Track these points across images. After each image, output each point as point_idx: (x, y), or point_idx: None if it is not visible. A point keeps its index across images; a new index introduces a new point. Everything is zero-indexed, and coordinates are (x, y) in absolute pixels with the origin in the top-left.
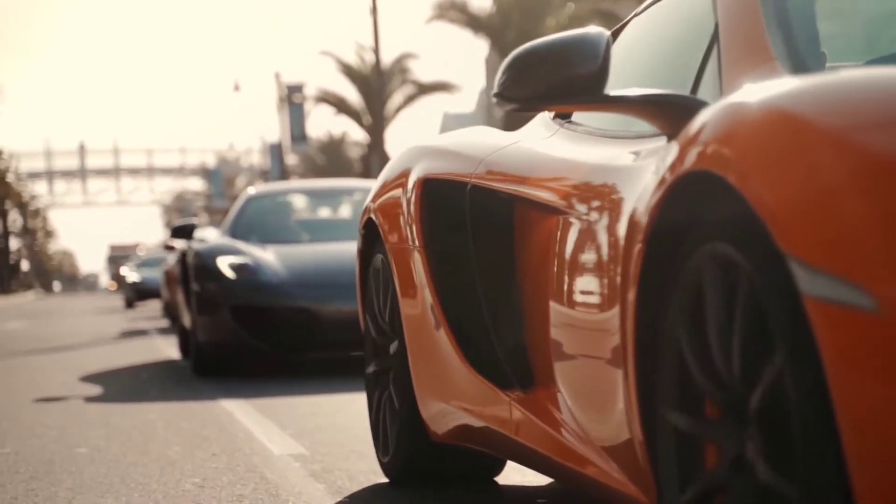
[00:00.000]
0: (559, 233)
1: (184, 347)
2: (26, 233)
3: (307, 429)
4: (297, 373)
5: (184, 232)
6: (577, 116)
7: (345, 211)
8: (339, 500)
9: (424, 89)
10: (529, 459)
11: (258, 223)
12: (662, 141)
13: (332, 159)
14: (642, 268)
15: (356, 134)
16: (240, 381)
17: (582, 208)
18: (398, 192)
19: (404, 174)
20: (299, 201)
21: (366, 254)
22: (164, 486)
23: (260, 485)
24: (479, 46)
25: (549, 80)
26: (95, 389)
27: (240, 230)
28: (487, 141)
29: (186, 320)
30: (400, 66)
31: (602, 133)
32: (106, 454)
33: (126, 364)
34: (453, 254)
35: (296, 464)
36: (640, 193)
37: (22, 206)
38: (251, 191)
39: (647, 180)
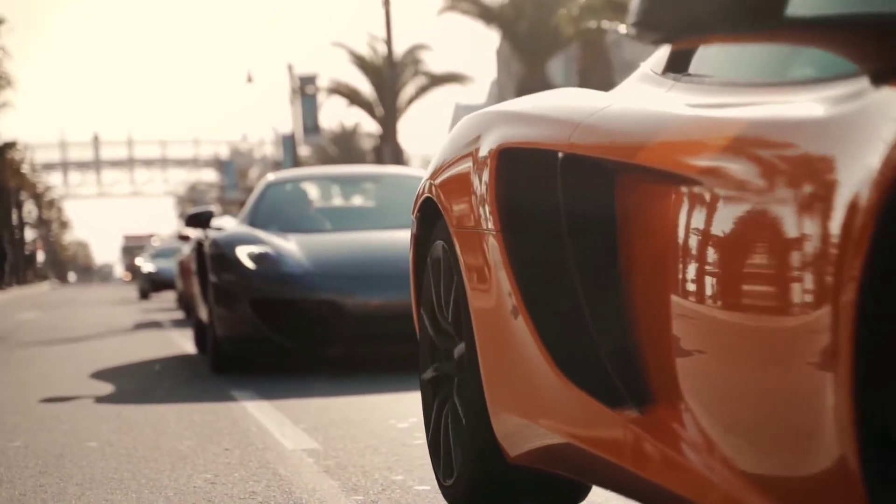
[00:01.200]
0: (695, 211)
1: (199, 342)
2: (41, 224)
3: (321, 423)
4: (311, 366)
5: (200, 220)
6: (700, 66)
7: (370, 198)
8: (353, 497)
9: (436, 80)
10: (643, 493)
11: (279, 211)
12: (863, 82)
13: (344, 150)
14: (870, 256)
15: (368, 125)
16: (252, 375)
17: (738, 180)
18: (467, 165)
19: (474, 145)
20: (322, 188)
21: (422, 240)
22: (176, 482)
23: (273, 481)
24: (490, 38)
25: (712, 0)
26: (108, 382)
27: (259, 218)
28: (582, 102)
29: (203, 313)
30: (412, 58)
31: (748, 83)
32: (117, 448)
33: (139, 356)
34: (539, 238)
35: (309, 459)
36: (854, 157)
37: (37, 197)
38: (271, 177)
39: (864, 138)
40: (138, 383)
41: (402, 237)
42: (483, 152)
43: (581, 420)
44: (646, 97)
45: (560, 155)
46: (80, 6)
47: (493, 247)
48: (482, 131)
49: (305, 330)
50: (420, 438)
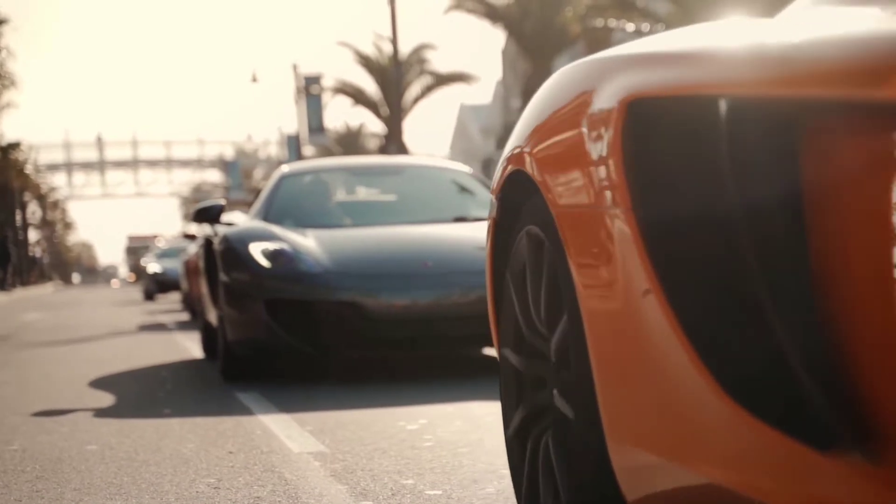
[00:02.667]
0: None
1: (207, 346)
2: (45, 225)
3: (328, 425)
4: (315, 368)
5: (209, 214)
6: None
7: (392, 191)
8: (362, 502)
9: (442, 80)
10: None
11: (294, 205)
12: None
13: (349, 151)
14: None
15: (373, 125)
16: (256, 376)
17: None
18: (576, 127)
19: (584, 98)
20: (339, 180)
21: (505, 224)
22: (177, 487)
23: (278, 486)
24: (496, 38)
25: None
26: (110, 384)
27: (273, 213)
28: (751, 33)
29: (212, 315)
30: (417, 57)
31: None
32: (117, 452)
33: (142, 358)
34: (692, 217)
35: (316, 463)
36: None
37: (41, 198)
38: (285, 168)
39: None
40: (140, 385)
41: (428, 232)
42: (601, 106)
43: (762, 464)
44: (847, 17)
45: (725, 103)
46: (84, 6)
47: (619, 231)
48: (597, 82)
49: (325, 333)
50: (430, 441)
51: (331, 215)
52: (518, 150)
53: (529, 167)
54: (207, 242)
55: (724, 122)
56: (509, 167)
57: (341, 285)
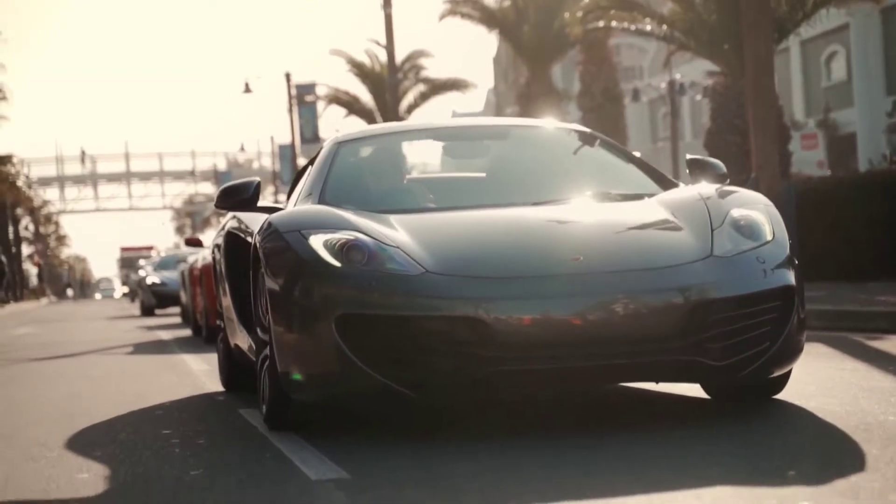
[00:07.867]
0: None
1: (230, 377)
2: (38, 239)
3: (346, 448)
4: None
5: (240, 196)
6: None
7: (492, 162)
8: None
9: (438, 87)
10: None
11: (357, 182)
12: None
13: None
14: None
15: None
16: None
17: None
18: None
19: None
20: (416, 149)
21: None
22: None
23: None
24: (487, 46)
25: None
26: (103, 402)
27: (330, 193)
28: None
29: (240, 337)
30: (412, 64)
31: None
32: (112, 481)
33: (139, 374)
34: None
35: (338, 492)
36: None
37: (33, 212)
38: (340, 135)
39: None
40: (137, 403)
41: (567, 215)
42: None
43: None
44: None
45: None
46: (74, 19)
47: None
48: None
49: (429, 366)
50: (468, 467)
51: (410, 195)
52: None
53: None
54: (230, 236)
55: None
56: None
57: (452, 293)
